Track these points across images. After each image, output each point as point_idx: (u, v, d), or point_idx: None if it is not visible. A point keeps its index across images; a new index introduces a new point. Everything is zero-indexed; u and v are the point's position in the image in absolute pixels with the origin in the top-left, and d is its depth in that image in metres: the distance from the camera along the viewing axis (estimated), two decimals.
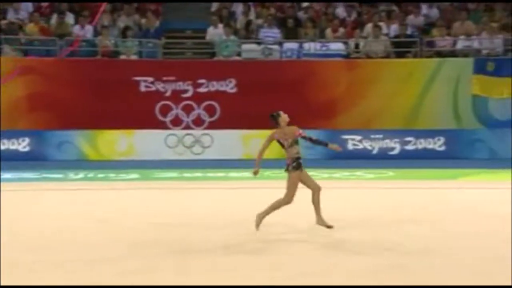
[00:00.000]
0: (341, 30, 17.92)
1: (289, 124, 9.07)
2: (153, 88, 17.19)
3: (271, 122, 9.03)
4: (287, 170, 8.90)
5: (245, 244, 8.35)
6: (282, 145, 9.03)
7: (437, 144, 16.60)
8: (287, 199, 8.81)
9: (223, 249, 8.04)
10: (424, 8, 18.46)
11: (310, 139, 9.00)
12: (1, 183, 12.42)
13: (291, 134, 8.93)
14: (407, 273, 6.96)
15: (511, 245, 7.94)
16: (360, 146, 16.68)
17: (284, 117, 9.01)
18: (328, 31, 17.91)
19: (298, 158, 8.86)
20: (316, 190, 8.84)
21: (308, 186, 8.90)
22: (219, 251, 7.92)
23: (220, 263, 7.37)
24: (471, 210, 10.38)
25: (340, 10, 18.72)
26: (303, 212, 9.22)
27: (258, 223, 8.80)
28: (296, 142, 8.96)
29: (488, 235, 8.74)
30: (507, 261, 7.27)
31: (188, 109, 17.31)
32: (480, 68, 16.74)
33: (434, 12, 18.38)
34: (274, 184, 13.06)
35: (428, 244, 8.14)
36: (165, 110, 17.27)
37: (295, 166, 8.84)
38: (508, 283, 6.65)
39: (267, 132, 17.36)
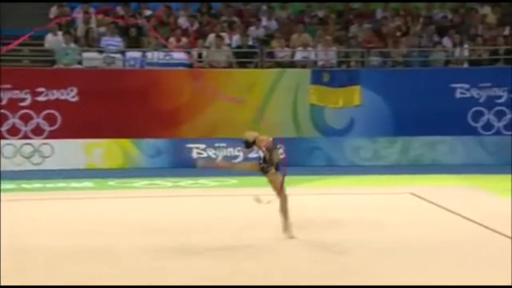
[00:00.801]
0: (184, 39, 18.04)
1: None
2: None
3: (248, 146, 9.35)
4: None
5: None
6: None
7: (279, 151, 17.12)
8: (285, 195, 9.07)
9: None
10: (264, 20, 19.05)
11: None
12: None
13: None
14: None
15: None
16: (204, 155, 16.86)
17: (259, 138, 9.39)
18: (171, 41, 17.95)
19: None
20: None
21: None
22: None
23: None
24: (309, 216, 10.85)
25: (182, 20, 18.84)
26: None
27: (290, 234, 8.96)
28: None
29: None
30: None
31: (26, 118, 16.63)
32: (316, 79, 17.52)
33: (273, 24, 19.02)
34: (119, 194, 12.96)
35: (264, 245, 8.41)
36: (1, 119, 16.47)
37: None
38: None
39: (110, 141, 17.11)
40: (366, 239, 9.13)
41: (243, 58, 17.82)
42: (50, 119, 16.73)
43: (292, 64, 18.01)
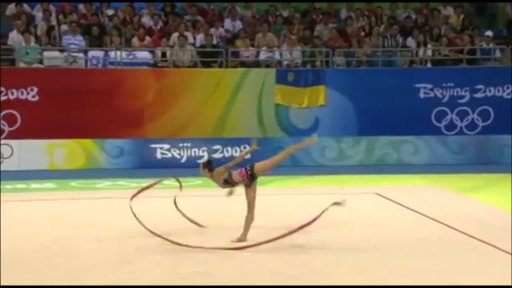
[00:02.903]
0: (148, 38, 17.95)
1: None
2: None
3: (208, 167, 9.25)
4: (247, 184, 9.12)
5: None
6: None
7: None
8: (252, 213, 9.11)
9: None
10: (228, 20, 19.05)
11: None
12: None
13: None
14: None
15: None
16: (169, 155, 16.79)
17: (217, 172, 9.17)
18: (135, 40, 17.86)
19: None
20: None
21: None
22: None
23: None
24: (275, 216, 10.88)
25: (146, 19, 18.75)
26: None
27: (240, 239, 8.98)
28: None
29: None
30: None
31: None
32: (281, 78, 17.58)
33: (238, 24, 19.04)
34: (81, 195, 12.85)
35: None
36: None
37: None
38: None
39: (72, 142, 16.92)
40: (330, 240, 9.21)
41: (208, 57, 17.80)
42: (10, 119, 16.49)
43: (256, 64, 18.05)
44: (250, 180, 9.03)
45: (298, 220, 10.18)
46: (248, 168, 9.11)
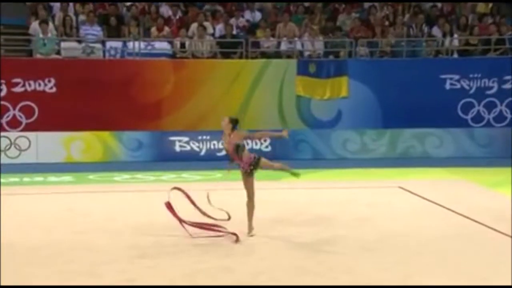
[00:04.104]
0: (166, 29, 17.97)
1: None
2: None
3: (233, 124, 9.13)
4: (247, 172, 8.99)
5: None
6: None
7: (264, 144, 17.13)
8: (253, 200, 9.05)
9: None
10: (248, 10, 19.00)
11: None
12: None
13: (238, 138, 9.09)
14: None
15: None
16: (188, 148, 16.82)
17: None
18: (153, 30, 17.89)
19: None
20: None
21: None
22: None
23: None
24: (296, 210, 10.87)
25: (165, 9, 18.77)
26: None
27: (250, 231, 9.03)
28: (242, 148, 9.09)
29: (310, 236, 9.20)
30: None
31: (2, 110, 16.50)
32: (303, 70, 17.52)
33: (257, 14, 18.99)
34: (99, 188, 12.92)
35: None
36: None
37: (252, 168, 9.04)
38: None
39: (90, 134, 16.96)
40: (353, 235, 9.17)
41: (227, 48, 17.78)
42: (27, 111, 16.61)
43: (277, 55, 17.99)
44: (250, 168, 9.01)
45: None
46: (256, 157, 9.11)
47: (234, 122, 9.21)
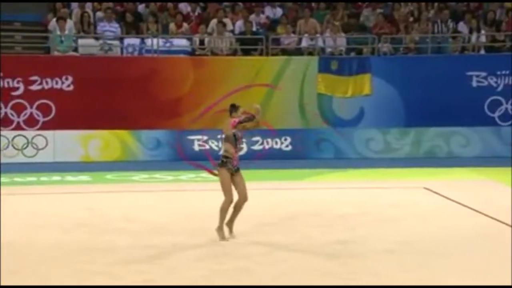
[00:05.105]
0: (185, 25, 18.03)
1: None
2: None
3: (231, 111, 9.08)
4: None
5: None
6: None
7: (284, 144, 17.14)
8: (227, 198, 8.85)
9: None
10: (269, 5, 19.00)
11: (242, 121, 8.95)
12: None
13: (226, 127, 9.00)
14: None
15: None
16: (206, 147, 16.87)
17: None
18: (172, 27, 17.96)
19: (224, 157, 8.90)
20: (241, 199, 8.88)
21: (237, 192, 8.94)
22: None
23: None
24: (317, 211, 10.86)
25: (184, 5, 18.83)
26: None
27: (222, 236, 8.82)
28: (225, 139, 8.96)
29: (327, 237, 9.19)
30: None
31: (19, 108, 16.66)
32: (324, 67, 17.50)
33: (278, 10, 18.99)
34: (117, 188, 13.00)
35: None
36: None
37: (220, 163, 8.92)
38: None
39: (107, 133, 17.06)
40: (376, 236, 9.15)
41: (247, 45, 17.80)
42: (44, 109, 16.75)
43: (298, 52, 17.99)
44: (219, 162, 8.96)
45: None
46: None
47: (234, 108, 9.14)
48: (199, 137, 16.86)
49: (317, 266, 7.77)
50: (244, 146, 16.87)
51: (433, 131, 17.28)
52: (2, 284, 6.87)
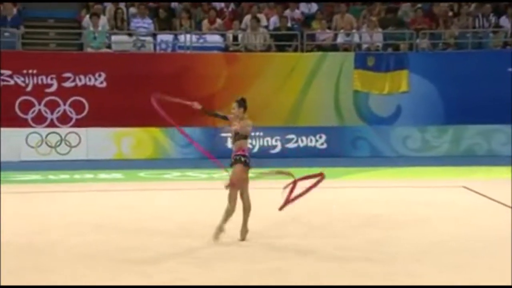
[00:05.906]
0: (219, 21, 18.07)
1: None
2: (12, 82, 16.64)
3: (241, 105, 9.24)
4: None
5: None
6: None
7: (319, 142, 17.10)
8: (233, 207, 8.83)
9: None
10: (304, 2, 18.97)
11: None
12: None
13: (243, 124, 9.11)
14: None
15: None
16: None
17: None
18: (205, 23, 18.01)
19: (244, 156, 9.06)
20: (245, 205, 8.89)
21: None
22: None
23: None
24: (352, 210, 10.80)
25: (217, 1, 18.87)
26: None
27: (216, 235, 8.74)
28: (241, 136, 9.16)
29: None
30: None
31: (52, 105, 16.87)
32: (360, 63, 17.41)
33: (314, 5, 18.94)
34: (149, 186, 13.08)
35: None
36: (26, 106, 16.75)
37: (244, 162, 9.04)
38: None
39: (140, 130, 17.15)
40: (413, 236, 9.07)
41: (282, 41, 17.77)
42: (78, 107, 16.94)
43: (334, 48, 17.91)
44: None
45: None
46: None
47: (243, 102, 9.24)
48: None
49: (352, 267, 7.73)
50: (278, 144, 16.95)
51: (473, 128, 17.08)
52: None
